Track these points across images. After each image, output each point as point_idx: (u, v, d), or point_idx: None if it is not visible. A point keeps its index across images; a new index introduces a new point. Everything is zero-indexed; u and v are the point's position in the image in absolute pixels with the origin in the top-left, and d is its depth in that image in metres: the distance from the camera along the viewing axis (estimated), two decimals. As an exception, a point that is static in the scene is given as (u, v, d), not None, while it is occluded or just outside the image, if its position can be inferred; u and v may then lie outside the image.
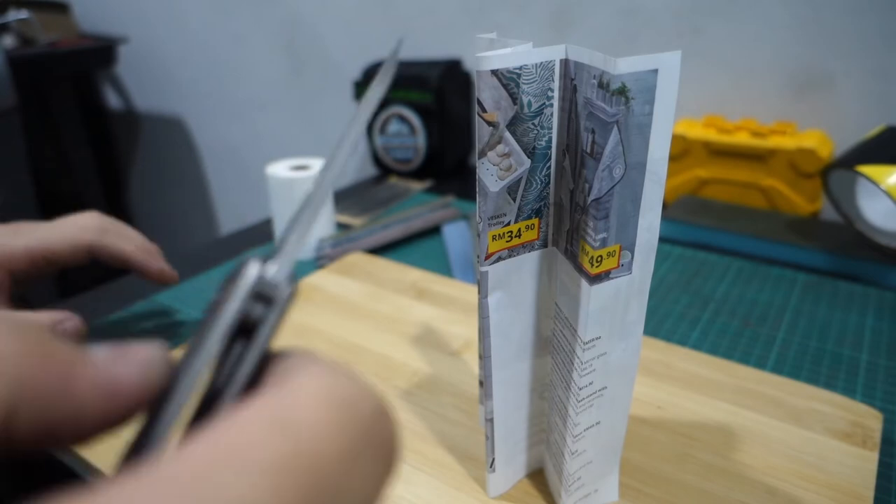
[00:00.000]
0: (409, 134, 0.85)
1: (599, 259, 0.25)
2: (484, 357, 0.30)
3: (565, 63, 0.25)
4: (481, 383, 0.31)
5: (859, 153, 0.56)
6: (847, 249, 0.58)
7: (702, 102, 0.76)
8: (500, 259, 0.27)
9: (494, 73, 0.24)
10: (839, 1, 0.65)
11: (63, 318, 0.40)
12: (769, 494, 0.33)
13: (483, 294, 0.28)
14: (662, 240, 0.66)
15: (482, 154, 0.25)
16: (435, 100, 0.82)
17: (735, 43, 0.72)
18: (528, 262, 0.28)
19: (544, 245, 0.29)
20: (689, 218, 0.66)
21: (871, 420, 0.38)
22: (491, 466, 0.32)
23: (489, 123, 0.24)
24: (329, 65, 1.09)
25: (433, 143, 0.85)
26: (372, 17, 1.00)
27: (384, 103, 0.85)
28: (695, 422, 0.38)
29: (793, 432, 0.37)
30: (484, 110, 0.24)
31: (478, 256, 0.28)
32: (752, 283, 0.56)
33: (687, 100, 0.77)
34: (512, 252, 0.28)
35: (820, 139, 0.67)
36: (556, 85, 0.25)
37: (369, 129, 0.88)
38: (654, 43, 0.77)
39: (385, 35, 0.99)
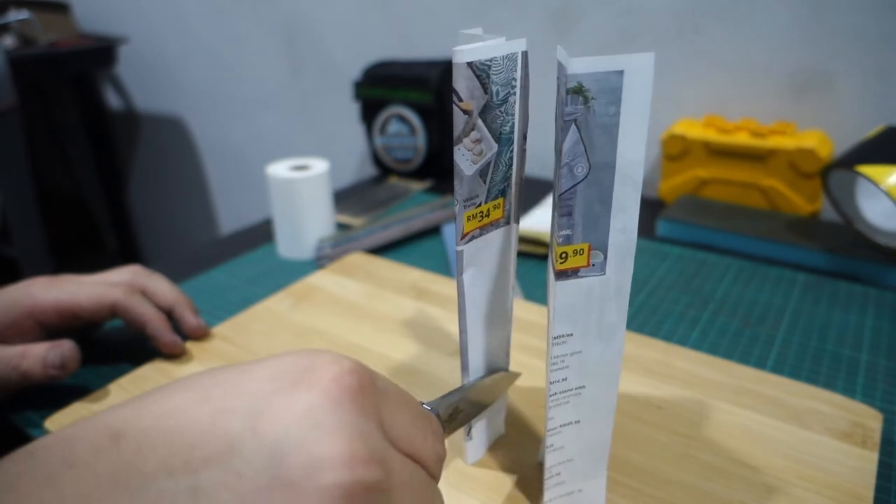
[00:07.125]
0: (409, 134, 0.85)
1: (564, 255, 0.26)
2: (460, 331, 0.32)
3: (525, 55, 0.27)
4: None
5: (859, 153, 0.56)
6: (847, 249, 0.58)
7: (702, 102, 0.76)
8: (472, 238, 0.29)
9: (469, 65, 0.25)
10: (839, 1, 0.65)
11: (55, 346, 0.41)
12: (769, 494, 0.33)
13: (459, 272, 0.30)
14: (662, 240, 0.66)
15: (458, 141, 0.27)
16: (435, 100, 0.82)
17: (735, 43, 0.72)
18: (495, 239, 0.31)
19: (507, 222, 0.31)
20: (689, 218, 0.66)
21: (871, 420, 0.38)
22: (468, 434, 0.34)
23: (464, 112, 0.26)
24: (329, 65, 1.09)
25: (433, 143, 0.85)
26: (372, 17, 1.00)
27: (384, 103, 0.85)
28: (695, 422, 0.38)
29: (793, 432, 0.37)
30: (460, 99, 0.26)
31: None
32: (752, 283, 0.56)
33: (687, 100, 0.77)
34: (483, 231, 0.30)
35: (820, 139, 0.67)
36: (518, 75, 0.27)
37: (369, 129, 0.88)
38: (654, 43, 0.77)
39: (385, 35, 0.99)
